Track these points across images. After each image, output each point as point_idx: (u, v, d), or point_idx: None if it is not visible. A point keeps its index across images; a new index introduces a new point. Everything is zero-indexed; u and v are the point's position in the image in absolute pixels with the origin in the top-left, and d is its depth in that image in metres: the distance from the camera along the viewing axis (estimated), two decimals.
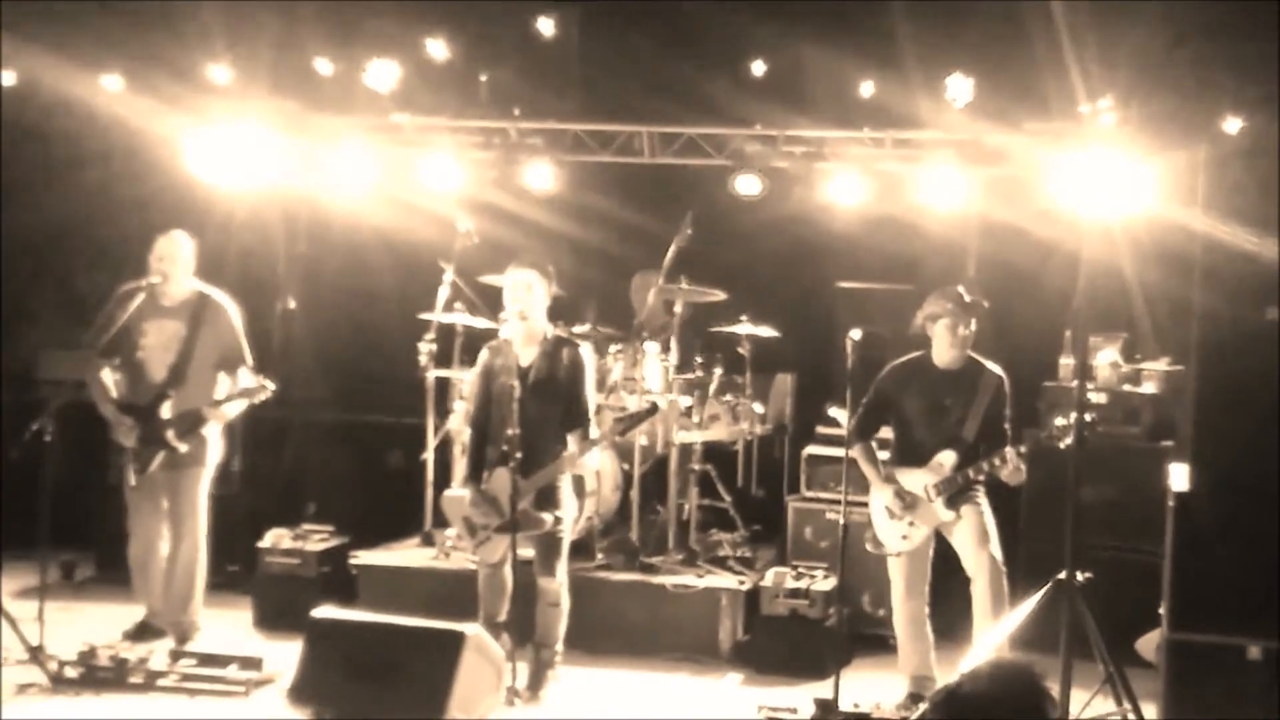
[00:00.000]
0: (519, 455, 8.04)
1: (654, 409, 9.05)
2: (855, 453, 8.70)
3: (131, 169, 11.25)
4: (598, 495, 10.07)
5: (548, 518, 8.39)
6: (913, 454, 8.59)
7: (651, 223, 10.91)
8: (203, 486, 9.22)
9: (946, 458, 8.43)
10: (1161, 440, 9.76)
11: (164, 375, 9.11)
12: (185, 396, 9.08)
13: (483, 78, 11.16)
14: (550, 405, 8.46)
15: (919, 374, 8.69)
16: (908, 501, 8.51)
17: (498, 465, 8.38)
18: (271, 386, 9.18)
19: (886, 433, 8.89)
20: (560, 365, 8.52)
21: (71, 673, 8.42)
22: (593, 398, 8.74)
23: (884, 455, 8.78)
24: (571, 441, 8.46)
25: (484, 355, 8.71)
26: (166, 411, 9.02)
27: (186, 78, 10.62)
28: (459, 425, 10.16)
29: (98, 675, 8.43)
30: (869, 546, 8.68)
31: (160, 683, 8.44)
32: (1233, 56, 9.05)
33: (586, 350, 8.69)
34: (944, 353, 8.59)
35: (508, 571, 8.44)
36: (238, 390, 9.16)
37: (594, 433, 8.59)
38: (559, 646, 8.64)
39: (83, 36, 10.57)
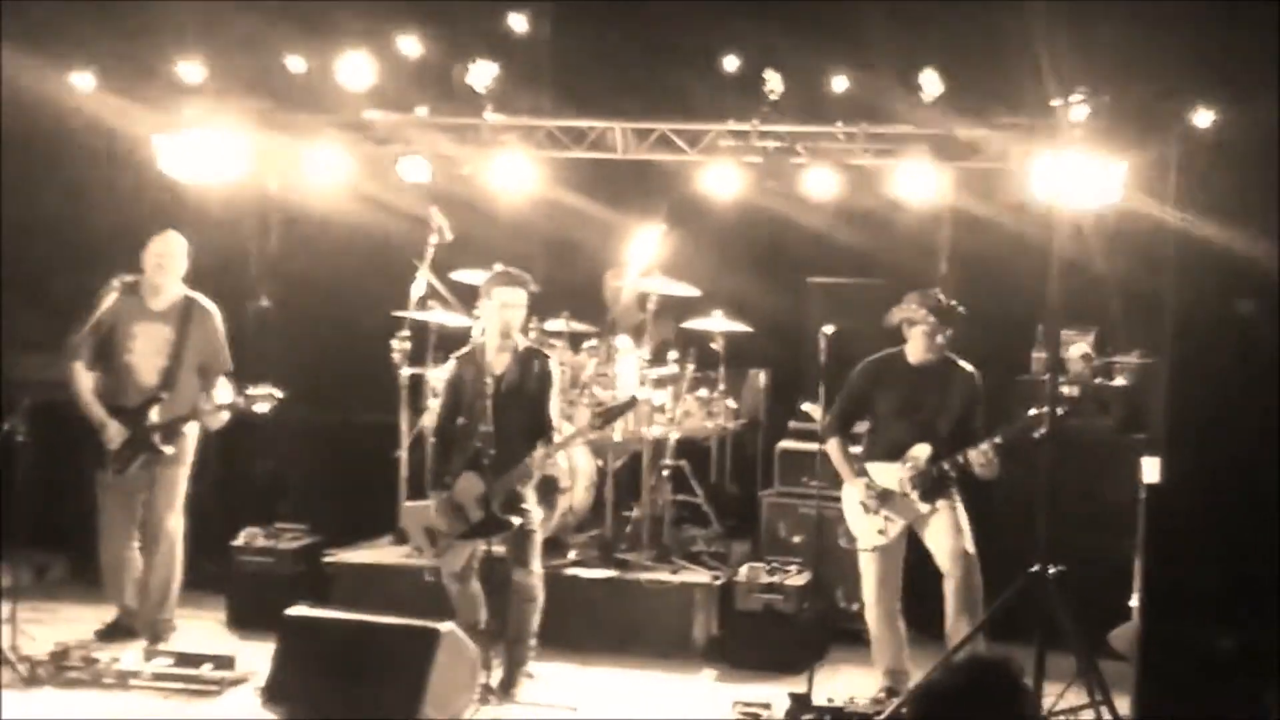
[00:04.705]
0: (492, 452, 8.10)
1: (633, 402, 9.10)
2: (829, 448, 8.72)
3: (103, 168, 11.19)
4: (572, 492, 10.06)
5: (515, 519, 8.40)
6: (886, 448, 8.58)
7: (625, 219, 10.89)
8: (181, 486, 9.21)
9: (921, 451, 8.43)
10: (1134, 433, 9.78)
11: (155, 380, 9.10)
12: (173, 400, 9.08)
13: (456, 75, 11.11)
14: (517, 413, 8.51)
15: (892, 370, 8.69)
16: (882, 496, 8.51)
17: (465, 469, 8.43)
18: (279, 395, 9.15)
19: (861, 427, 8.90)
20: (531, 375, 8.60)
21: (43, 673, 8.41)
22: (556, 409, 8.78)
23: (857, 449, 8.78)
24: (537, 447, 8.48)
25: (452, 365, 8.80)
26: (155, 415, 9.00)
27: (158, 76, 10.56)
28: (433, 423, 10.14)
29: (70, 675, 8.44)
30: (843, 542, 8.68)
31: (133, 682, 8.45)
32: (1205, 50, 9.06)
33: (554, 362, 8.78)
34: (918, 353, 8.60)
35: (475, 583, 8.56)
36: (245, 400, 9.11)
37: (556, 440, 8.60)
38: (532, 642, 8.63)
39: (54, 35, 10.50)
